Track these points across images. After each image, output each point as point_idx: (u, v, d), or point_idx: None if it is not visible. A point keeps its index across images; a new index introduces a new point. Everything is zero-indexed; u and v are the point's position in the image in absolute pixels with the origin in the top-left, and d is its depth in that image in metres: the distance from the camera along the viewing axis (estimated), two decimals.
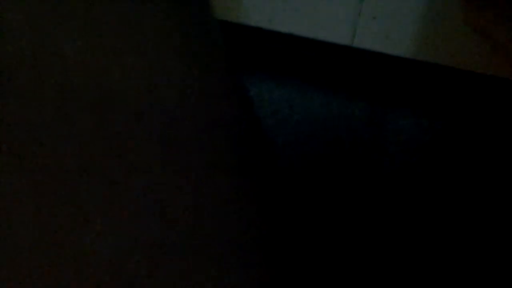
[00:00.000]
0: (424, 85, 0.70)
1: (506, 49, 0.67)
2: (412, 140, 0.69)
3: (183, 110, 0.17)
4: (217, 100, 0.19)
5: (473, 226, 0.66)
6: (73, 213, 0.15)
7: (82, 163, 0.15)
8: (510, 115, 0.67)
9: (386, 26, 0.71)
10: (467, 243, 0.65)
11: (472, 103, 0.69)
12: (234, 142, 0.19)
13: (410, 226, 0.67)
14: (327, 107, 0.71)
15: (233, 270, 0.18)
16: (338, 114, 0.70)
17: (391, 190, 0.68)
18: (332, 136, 0.70)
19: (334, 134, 0.70)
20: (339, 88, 0.71)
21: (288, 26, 0.73)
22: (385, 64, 0.71)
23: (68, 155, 0.15)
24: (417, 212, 0.67)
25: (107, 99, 0.16)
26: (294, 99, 0.72)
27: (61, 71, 0.15)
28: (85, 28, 0.16)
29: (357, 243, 0.66)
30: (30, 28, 0.15)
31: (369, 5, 0.72)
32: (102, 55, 0.16)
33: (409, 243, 0.66)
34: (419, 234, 0.67)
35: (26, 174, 0.15)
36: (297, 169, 0.70)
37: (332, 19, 0.73)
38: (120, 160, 0.16)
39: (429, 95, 0.70)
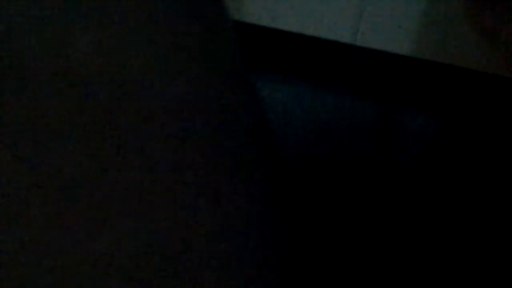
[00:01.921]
0: (428, 83, 0.70)
1: (508, 47, 0.67)
2: (418, 137, 0.69)
3: (198, 110, 0.17)
4: (233, 100, 0.19)
5: (482, 224, 0.66)
6: (84, 216, 0.15)
7: (95, 163, 0.15)
8: None
9: (388, 24, 0.71)
10: (475, 243, 0.65)
11: (475, 101, 0.69)
12: (250, 142, 0.19)
13: (421, 225, 0.67)
14: (330, 105, 0.71)
15: (253, 274, 0.18)
16: (341, 112, 0.70)
17: (400, 189, 0.68)
18: (338, 134, 0.70)
19: (340, 133, 0.70)
20: (343, 86, 0.71)
21: (291, 24, 0.73)
22: (387, 62, 0.71)
23: (80, 155, 0.15)
24: (427, 212, 0.67)
25: (121, 98, 0.16)
26: (297, 97, 0.72)
27: (75, 67, 0.15)
28: (100, 25, 0.16)
29: (366, 244, 0.66)
30: (44, 23, 0.15)
31: (371, 3, 0.72)
32: (116, 52, 0.16)
33: (420, 243, 0.66)
34: (430, 233, 0.67)
35: (35, 174, 0.15)
36: (304, 168, 0.70)
37: (335, 17, 0.72)
38: (134, 160, 0.16)
39: (433, 93, 0.70)
